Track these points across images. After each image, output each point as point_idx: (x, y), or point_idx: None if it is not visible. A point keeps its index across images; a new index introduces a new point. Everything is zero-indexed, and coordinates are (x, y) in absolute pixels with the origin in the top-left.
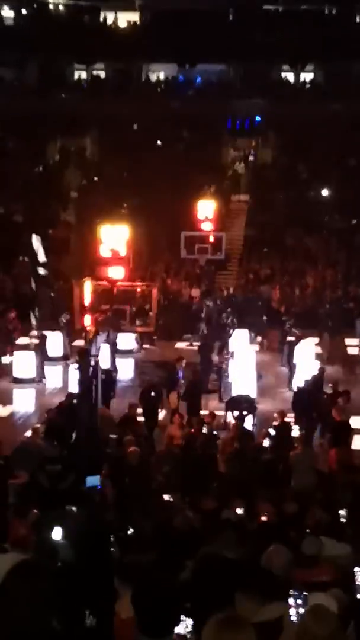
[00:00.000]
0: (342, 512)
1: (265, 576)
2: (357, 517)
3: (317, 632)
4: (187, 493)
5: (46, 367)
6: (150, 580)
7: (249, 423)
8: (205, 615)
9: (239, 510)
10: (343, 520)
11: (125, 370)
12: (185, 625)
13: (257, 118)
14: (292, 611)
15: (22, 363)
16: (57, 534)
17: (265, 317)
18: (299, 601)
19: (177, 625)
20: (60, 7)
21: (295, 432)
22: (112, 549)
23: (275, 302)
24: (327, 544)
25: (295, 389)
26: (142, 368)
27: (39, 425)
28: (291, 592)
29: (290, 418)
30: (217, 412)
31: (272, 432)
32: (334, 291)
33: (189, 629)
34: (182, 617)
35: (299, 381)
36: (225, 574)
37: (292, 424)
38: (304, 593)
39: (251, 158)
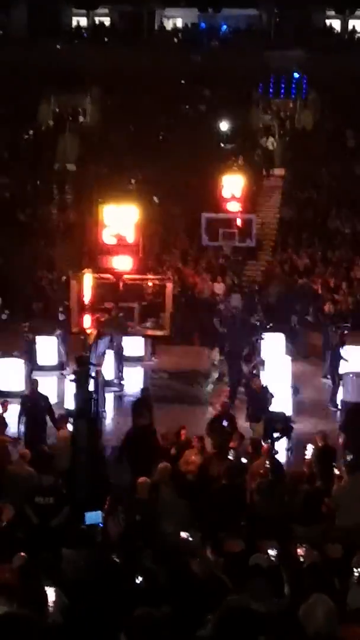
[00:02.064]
0: None
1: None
2: None
3: None
4: (208, 532)
5: (35, 377)
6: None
7: (283, 446)
8: None
9: (272, 553)
10: None
11: (133, 382)
12: None
13: (295, 74)
14: None
15: (8, 372)
16: (47, 582)
17: (304, 318)
18: None
19: None
20: None
21: (342, 458)
22: (116, 601)
23: (317, 298)
24: None
25: (342, 405)
26: (154, 379)
27: (26, 450)
28: None
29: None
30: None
31: (312, 457)
32: None
33: None
34: None
35: (346, 395)
36: (254, 632)
37: (337, 448)
38: None
39: (288, 124)
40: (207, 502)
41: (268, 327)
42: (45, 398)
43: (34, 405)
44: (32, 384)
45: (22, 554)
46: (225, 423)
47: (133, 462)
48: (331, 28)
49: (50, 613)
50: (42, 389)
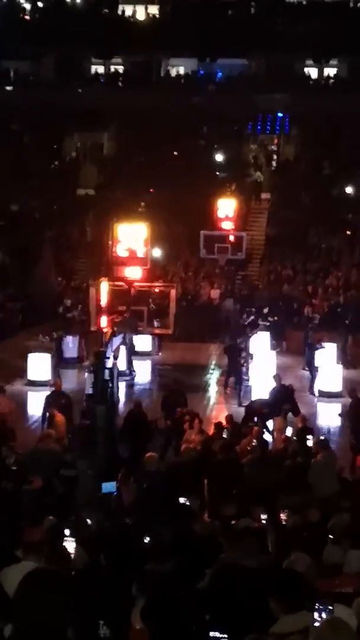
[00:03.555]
0: None
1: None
2: None
3: None
4: (207, 499)
5: (61, 370)
6: (164, 592)
7: (269, 428)
8: (229, 626)
9: (260, 517)
10: None
11: (143, 373)
12: None
13: (280, 114)
14: (316, 624)
15: (37, 365)
16: (71, 541)
17: (286, 319)
18: (323, 614)
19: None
20: (78, 0)
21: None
22: (128, 557)
23: (298, 303)
24: (352, 554)
25: (318, 393)
26: (160, 371)
27: (52, 430)
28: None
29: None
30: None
31: (292, 435)
32: (357, 292)
33: None
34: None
35: (322, 385)
36: (245, 583)
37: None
38: (328, 606)
39: (273, 155)
40: (207, 474)
41: (257, 326)
42: (67, 397)
43: (56, 402)
44: (55, 383)
45: (51, 517)
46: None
47: (131, 440)
48: (310, 75)
49: (73, 567)
50: (66, 379)
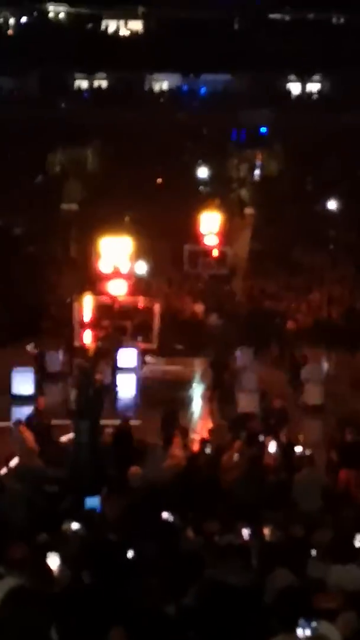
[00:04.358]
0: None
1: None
2: None
3: None
4: (190, 515)
5: (44, 384)
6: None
7: (252, 442)
8: None
9: (244, 533)
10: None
11: (127, 388)
12: None
13: (263, 129)
14: None
15: (21, 380)
16: (54, 557)
17: (270, 334)
18: (307, 631)
19: None
20: (61, 15)
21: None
22: (111, 572)
23: (281, 318)
24: (335, 569)
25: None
26: (144, 385)
27: (36, 445)
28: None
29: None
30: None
31: (276, 452)
32: (341, 308)
33: None
34: None
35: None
36: (229, 601)
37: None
38: (312, 623)
39: (257, 171)
40: (191, 489)
41: (242, 341)
42: (47, 417)
43: (39, 422)
44: (38, 403)
45: (33, 533)
46: None
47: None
48: (292, 91)
49: (55, 583)
50: (50, 395)
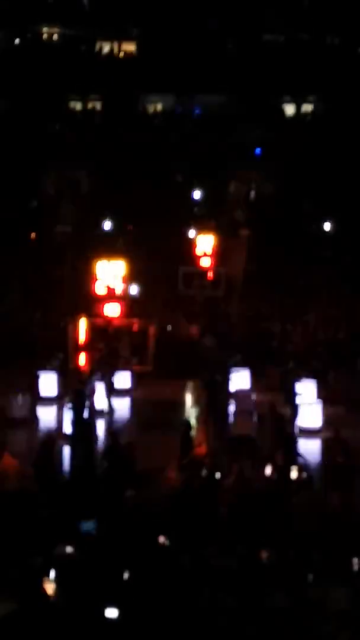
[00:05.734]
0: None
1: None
2: None
3: None
4: (186, 538)
5: (38, 408)
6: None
7: (249, 465)
8: None
9: (240, 556)
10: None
11: (122, 410)
12: None
13: (258, 150)
14: None
15: (14, 403)
16: (48, 581)
17: (265, 355)
18: None
19: None
20: (55, 37)
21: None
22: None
23: (276, 339)
24: (332, 591)
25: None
26: (140, 408)
27: (31, 469)
28: None
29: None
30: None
31: (273, 474)
32: (336, 328)
33: None
34: None
35: (302, 422)
36: (227, 622)
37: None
38: None
39: (252, 191)
40: (187, 511)
41: (236, 363)
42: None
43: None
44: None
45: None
46: None
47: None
48: (286, 112)
49: (50, 607)
50: (44, 417)
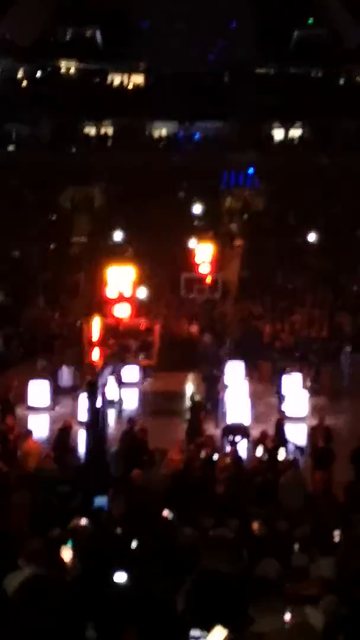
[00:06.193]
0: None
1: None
2: (346, 535)
3: None
4: (186, 512)
5: (57, 397)
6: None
7: (242, 448)
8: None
9: (234, 528)
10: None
11: (130, 400)
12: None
13: (250, 170)
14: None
15: (37, 392)
16: (67, 550)
17: (257, 351)
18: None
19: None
20: (72, 70)
21: (282, 455)
22: (117, 562)
23: (266, 337)
24: (318, 561)
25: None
26: (146, 398)
27: (51, 451)
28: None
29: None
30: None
31: (264, 455)
32: (320, 327)
33: None
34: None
35: (288, 410)
36: (222, 587)
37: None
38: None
39: (245, 207)
40: (188, 489)
41: (231, 358)
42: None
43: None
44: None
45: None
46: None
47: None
48: (275, 136)
49: (68, 572)
50: (62, 406)
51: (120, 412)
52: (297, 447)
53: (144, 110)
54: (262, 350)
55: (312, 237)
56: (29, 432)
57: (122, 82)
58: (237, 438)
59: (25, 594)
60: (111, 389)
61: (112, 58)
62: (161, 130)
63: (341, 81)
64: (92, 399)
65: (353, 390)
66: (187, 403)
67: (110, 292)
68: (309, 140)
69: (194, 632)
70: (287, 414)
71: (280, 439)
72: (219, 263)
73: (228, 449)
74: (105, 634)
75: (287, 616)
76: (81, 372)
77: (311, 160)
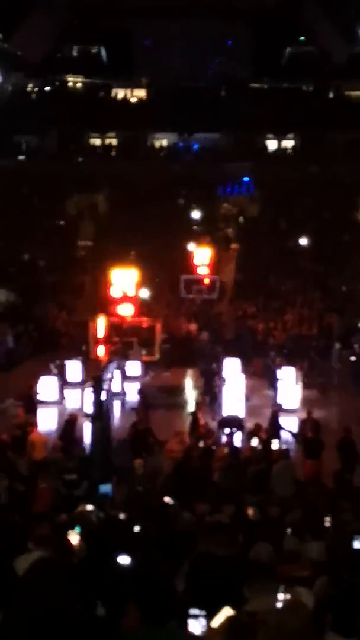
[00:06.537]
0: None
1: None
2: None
3: (290, 625)
4: (184, 498)
5: (65, 391)
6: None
7: (237, 439)
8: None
9: (230, 513)
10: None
11: (132, 394)
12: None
13: (245, 179)
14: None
15: (46, 387)
16: (74, 534)
17: (252, 348)
18: (285, 595)
19: (175, 615)
20: (78, 85)
21: (275, 445)
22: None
23: (260, 335)
24: (308, 545)
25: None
26: (147, 391)
27: (59, 442)
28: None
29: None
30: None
31: (258, 446)
32: (310, 326)
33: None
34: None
35: (281, 403)
36: (218, 569)
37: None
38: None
39: (240, 213)
40: (186, 477)
41: (228, 354)
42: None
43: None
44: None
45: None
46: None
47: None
48: (269, 147)
49: (74, 555)
50: (70, 399)
51: (123, 405)
52: (293, 435)
53: (146, 123)
54: (256, 347)
55: (303, 241)
56: (34, 424)
57: (125, 96)
58: (233, 430)
59: (34, 574)
60: (116, 383)
61: (116, 74)
62: (162, 141)
63: (330, 95)
64: (97, 392)
65: (341, 385)
66: (189, 397)
67: (115, 292)
68: (301, 151)
69: (193, 611)
70: (281, 406)
71: (275, 429)
72: (216, 265)
73: (224, 440)
74: (109, 611)
75: (280, 595)
76: (87, 367)
77: (303, 169)
